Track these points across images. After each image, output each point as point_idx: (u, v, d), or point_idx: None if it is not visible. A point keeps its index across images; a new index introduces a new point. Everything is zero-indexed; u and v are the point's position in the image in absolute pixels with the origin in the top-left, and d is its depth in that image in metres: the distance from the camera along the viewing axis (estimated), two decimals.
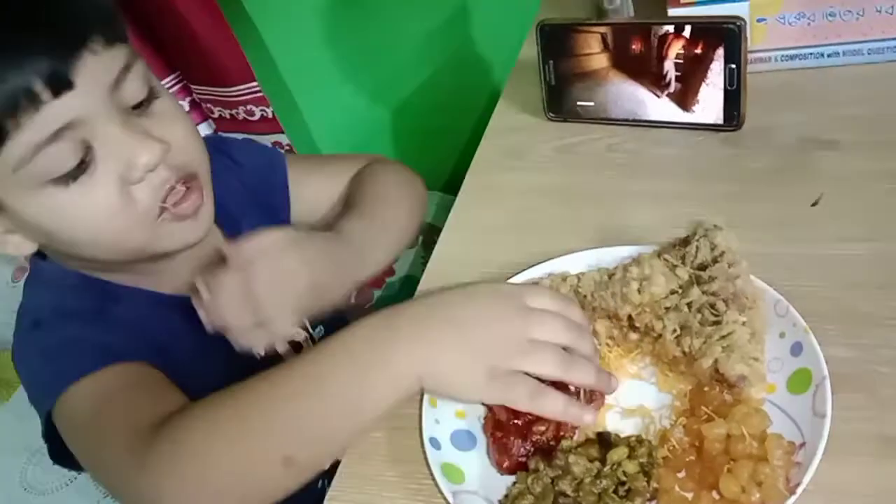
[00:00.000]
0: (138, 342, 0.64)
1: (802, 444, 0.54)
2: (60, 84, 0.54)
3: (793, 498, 0.50)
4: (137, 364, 0.62)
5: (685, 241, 0.65)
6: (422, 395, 0.60)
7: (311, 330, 0.79)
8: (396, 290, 1.31)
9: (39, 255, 0.68)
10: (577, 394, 0.59)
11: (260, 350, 0.62)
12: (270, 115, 1.34)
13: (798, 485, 0.51)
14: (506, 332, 0.55)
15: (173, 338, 0.68)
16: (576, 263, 0.69)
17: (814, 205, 0.73)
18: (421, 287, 0.76)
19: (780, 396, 0.57)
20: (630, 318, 0.62)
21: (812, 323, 0.59)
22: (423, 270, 0.79)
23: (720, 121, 0.82)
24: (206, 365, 0.66)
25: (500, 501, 0.56)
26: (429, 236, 1.34)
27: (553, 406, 0.56)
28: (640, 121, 0.86)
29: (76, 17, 0.56)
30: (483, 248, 0.78)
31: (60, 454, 0.64)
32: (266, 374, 0.55)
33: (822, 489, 0.52)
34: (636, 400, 0.61)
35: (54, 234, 0.60)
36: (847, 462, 0.53)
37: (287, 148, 1.41)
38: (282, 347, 0.65)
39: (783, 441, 0.54)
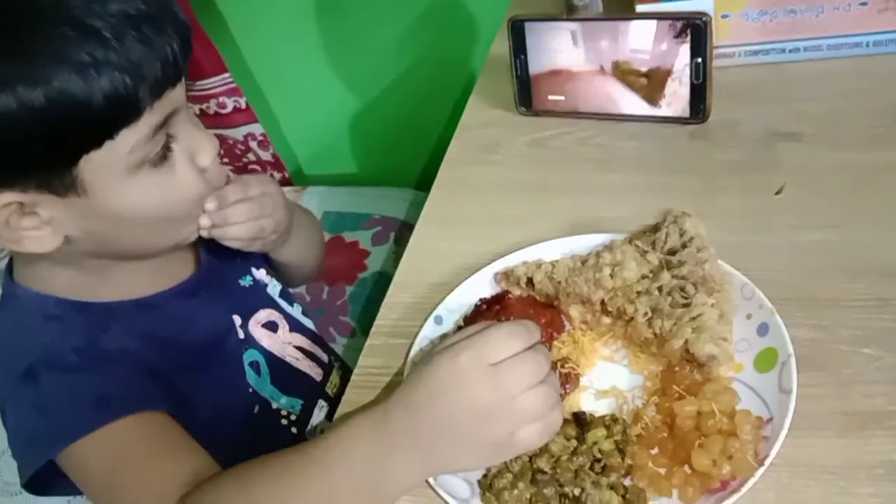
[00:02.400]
0: (138, 372, 0.64)
1: (770, 420, 0.56)
2: (180, 72, 0.59)
3: (761, 470, 0.52)
4: (143, 415, 0.62)
5: (655, 228, 0.67)
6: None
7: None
8: (370, 286, 1.32)
9: (7, 273, 0.68)
10: None
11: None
12: (244, 106, 1.34)
13: (766, 457, 0.53)
14: (491, 413, 0.53)
15: (163, 331, 0.69)
16: (550, 251, 0.71)
17: (777, 194, 0.76)
18: (396, 280, 0.77)
19: (748, 375, 0.59)
20: (603, 302, 0.64)
21: (777, 305, 0.61)
22: (395, 267, 0.80)
23: (687, 114, 0.84)
24: (197, 331, 0.71)
25: (479, 481, 0.57)
26: (400, 233, 1.36)
27: (559, 422, 0.55)
28: (609, 115, 0.88)
29: (179, 12, 0.60)
30: (457, 240, 0.79)
31: (42, 488, 0.64)
32: (278, 458, 0.57)
33: (788, 462, 0.54)
34: (609, 381, 0.63)
35: (129, 217, 0.61)
36: (812, 436, 0.56)
37: (261, 138, 1.41)
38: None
39: (751, 416, 0.56)
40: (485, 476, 0.57)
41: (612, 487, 0.54)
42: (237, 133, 1.44)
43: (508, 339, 0.54)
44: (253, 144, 1.47)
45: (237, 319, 0.76)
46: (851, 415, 0.57)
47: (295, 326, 0.83)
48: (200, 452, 0.61)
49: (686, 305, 0.61)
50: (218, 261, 0.76)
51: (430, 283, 0.74)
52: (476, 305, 0.66)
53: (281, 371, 0.79)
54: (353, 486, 0.54)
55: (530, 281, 0.68)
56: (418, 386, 0.54)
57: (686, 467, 0.55)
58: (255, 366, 0.76)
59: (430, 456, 0.54)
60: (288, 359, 0.81)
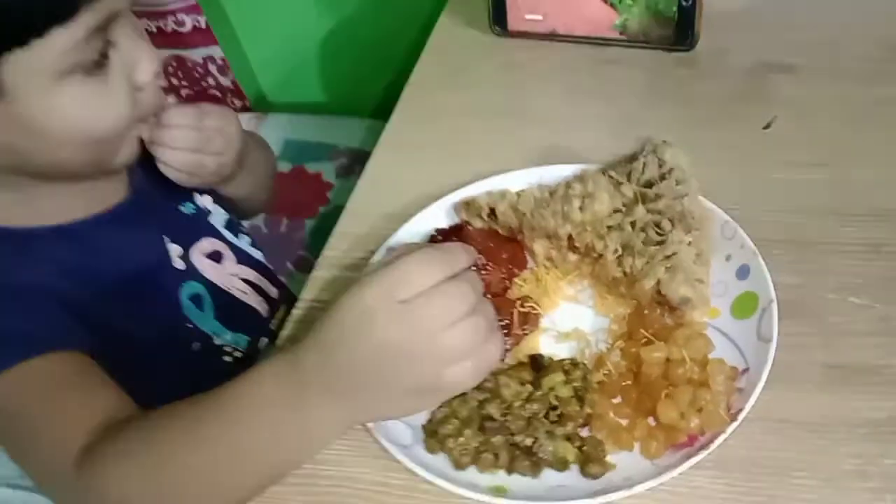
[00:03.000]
0: (55, 309, 0.58)
1: (745, 370, 0.51)
2: None
3: (734, 425, 0.47)
4: (54, 356, 0.55)
5: (632, 158, 0.60)
6: None
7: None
8: (332, 221, 1.25)
9: None
10: (511, 318, 0.55)
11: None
12: (203, 25, 1.25)
13: (739, 411, 0.47)
14: (410, 354, 0.47)
15: (88, 261, 0.62)
16: (516, 181, 0.64)
17: (766, 128, 0.70)
18: (349, 208, 0.71)
19: (724, 321, 0.54)
20: (570, 237, 0.58)
21: (760, 247, 0.56)
22: None
23: (673, 40, 0.77)
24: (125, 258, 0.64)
25: (423, 426, 0.52)
26: (355, 162, 1.28)
27: (495, 357, 0.50)
28: (590, 38, 0.81)
29: None
30: (417, 168, 0.73)
31: None
32: (184, 407, 0.51)
33: (763, 416, 0.49)
34: (572, 323, 0.57)
35: (52, 130, 0.54)
36: (790, 389, 0.51)
37: (220, 63, 1.32)
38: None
39: (725, 366, 0.50)
40: (430, 420, 0.52)
41: (567, 438, 0.49)
42: (196, 55, 1.34)
43: (422, 268, 0.47)
44: (212, 69, 1.38)
45: (175, 249, 0.70)
46: (835, 368, 0.52)
47: (242, 259, 0.76)
48: (115, 395, 0.55)
49: (661, 243, 0.55)
50: (154, 185, 0.69)
51: (385, 213, 0.68)
52: (431, 237, 0.60)
53: (226, 305, 0.73)
54: (264, 436, 0.49)
55: (493, 212, 0.61)
56: (329, 325, 0.48)
57: (650, 419, 0.50)
58: (196, 299, 0.70)
59: (348, 403, 0.48)
60: (234, 292, 0.75)
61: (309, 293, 0.64)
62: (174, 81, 1.39)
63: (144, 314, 0.65)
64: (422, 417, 0.52)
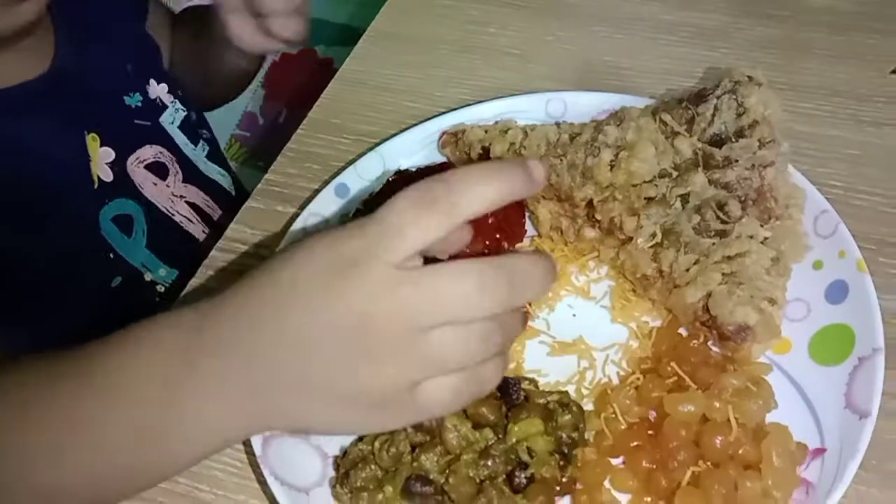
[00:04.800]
0: None
1: (820, 452, 0.33)
2: None
3: None
4: None
5: (699, 96, 0.41)
6: None
7: None
8: None
9: None
10: None
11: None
12: None
13: None
14: (385, 344, 0.30)
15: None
16: (528, 108, 0.46)
17: (895, 72, 0.49)
18: (310, 118, 0.54)
19: (798, 363, 0.37)
20: (591, 204, 0.40)
21: (870, 254, 0.38)
22: None
23: None
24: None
25: (335, 458, 0.36)
26: (344, 37, 1.08)
27: (490, 383, 0.32)
28: None
29: None
30: (407, 70, 0.56)
31: None
32: (44, 381, 0.35)
33: None
34: (575, 330, 0.40)
35: None
36: (881, 488, 0.33)
37: None
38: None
39: (790, 441, 0.33)
40: (344, 454, 0.36)
41: None
42: None
43: (431, 212, 0.28)
44: None
45: (105, 153, 0.54)
46: None
47: (192, 176, 0.60)
48: None
49: (722, 234, 0.37)
50: (88, 60, 0.53)
51: (355, 131, 0.51)
52: (388, 181, 0.42)
53: (164, 232, 0.57)
54: (131, 420, 0.33)
55: (486, 152, 0.43)
56: (273, 279, 0.30)
57: None
58: (123, 222, 0.55)
59: (263, 398, 0.31)
60: (177, 217, 0.59)
61: (235, 229, 0.48)
62: None
63: (44, 234, 0.50)
64: (335, 447, 0.37)
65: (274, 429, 0.35)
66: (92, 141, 0.53)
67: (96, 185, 0.53)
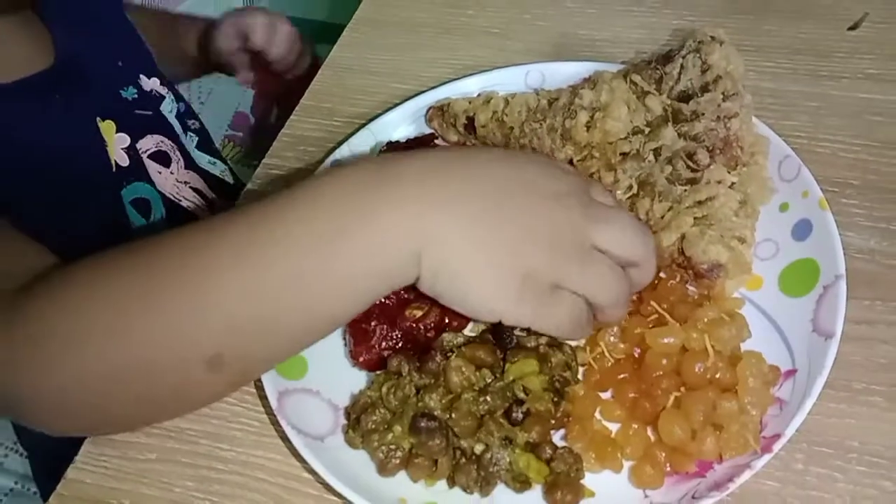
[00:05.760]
0: None
1: (791, 373, 0.36)
2: None
3: (766, 457, 0.33)
4: None
5: (666, 57, 0.44)
6: None
7: None
8: None
9: None
10: None
11: None
12: None
13: (777, 436, 0.33)
14: (562, 223, 0.35)
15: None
16: (508, 80, 0.49)
17: (853, 28, 0.52)
18: (304, 103, 0.56)
19: (769, 296, 0.39)
20: (571, 163, 0.43)
21: (831, 196, 0.41)
22: None
23: None
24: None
25: (346, 409, 0.39)
26: (328, 34, 1.11)
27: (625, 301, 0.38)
28: None
29: None
30: (392, 54, 0.58)
31: None
32: (185, 230, 0.36)
33: (809, 442, 0.35)
34: None
35: None
36: (848, 402, 0.36)
37: None
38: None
39: (763, 364, 0.36)
40: (353, 405, 0.39)
41: (532, 448, 0.35)
42: None
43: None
44: None
45: (122, 139, 0.56)
46: None
47: (190, 163, 0.63)
48: (48, 256, 0.41)
49: (692, 182, 0.40)
50: (87, 56, 0.55)
51: (347, 113, 0.54)
52: (380, 151, 0.45)
53: (175, 216, 0.59)
54: (307, 227, 0.34)
55: (471, 122, 0.46)
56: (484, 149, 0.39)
57: (650, 430, 0.36)
58: (142, 205, 0.57)
59: (440, 215, 0.34)
60: (184, 203, 0.61)
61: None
62: None
63: (73, 218, 0.53)
64: (345, 398, 0.39)
65: (423, 263, 0.34)
66: (107, 127, 0.55)
67: (114, 169, 0.55)
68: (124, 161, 0.56)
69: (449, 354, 0.37)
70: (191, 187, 0.62)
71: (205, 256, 0.35)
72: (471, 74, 0.50)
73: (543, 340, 0.38)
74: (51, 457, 0.45)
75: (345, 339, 0.41)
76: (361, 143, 0.48)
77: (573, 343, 0.38)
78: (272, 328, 0.35)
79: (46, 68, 0.53)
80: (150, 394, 0.36)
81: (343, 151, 0.48)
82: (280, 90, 0.75)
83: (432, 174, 0.35)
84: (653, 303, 0.38)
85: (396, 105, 0.50)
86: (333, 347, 0.41)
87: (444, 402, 0.36)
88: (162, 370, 0.35)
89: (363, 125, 0.49)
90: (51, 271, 0.38)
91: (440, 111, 0.48)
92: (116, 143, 0.56)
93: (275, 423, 0.39)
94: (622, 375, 0.38)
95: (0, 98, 0.50)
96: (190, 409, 0.40)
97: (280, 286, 0.34)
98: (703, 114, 0.41)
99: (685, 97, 0.43)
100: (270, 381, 0.39)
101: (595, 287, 0.35)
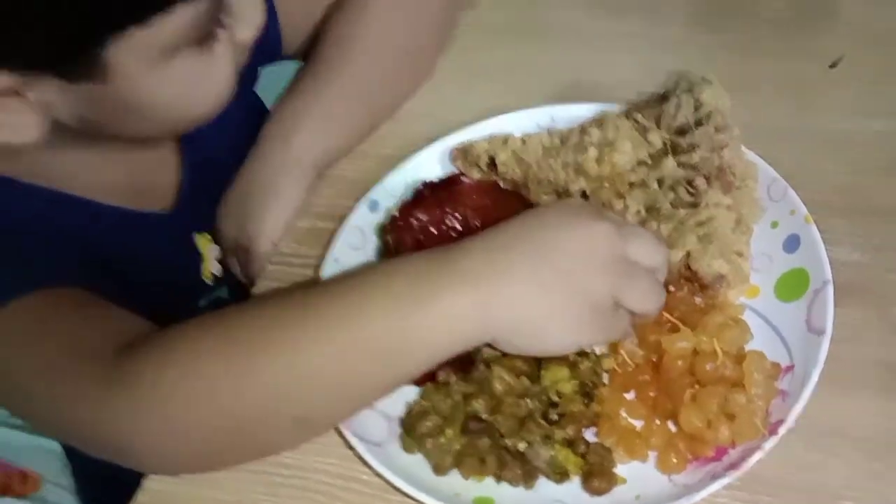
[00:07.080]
0: (73, 257, 0.49)
1: (790, 368, 0.41)
2: None
3: (772, 440, 0.38)
4: (72, 289, 0.46)
5: (663, 97, 0.50)
6: None
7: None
8: None
9: None
10: None
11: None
12: None
13: (780, 422, 0.39)
14: (603, 249, 0.40)
15: (106, 255, 0.53)
16: (522, 122, 0.54)
17: (832, 66, 0.58)
18: None
19: (766, 303, 0.45)
20: (584, 194, 0.49)
21: (815, 213, 0.47)
22: None
23: None
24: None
25: (400, 419, 0.44)
26: None
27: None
28: None
29: None
30: (413, 102, 0.62)
31: None
32: (273, 306, 0.43)
33: (809, 428, 0.40)
34: None
35: (146, 109, 0.46)
36: (843, 394, 0.42)
37: None
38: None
39: (765, 362, 0.41)
40: (408, 414, 0.44)
41: (568, 443, 0.41)
42: None
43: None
44: None
45: (214, 250, 0.60)
46: None
47: None
48: (137, 319, 0.46)
49: (693, 205, 0.46)
50: (205, 198, 0.59)
51: (379, 155, 0.59)
52: (416, 191, 0.50)
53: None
54: (382, 304, 0.40)
55: (493, 161, 0.52)
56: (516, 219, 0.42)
57: (670, 423, 0.41)
58: (214, 304, 0.62)
59: (499, 281, 0.39)
60: None
61: (286, 245, 0.55)
62: None
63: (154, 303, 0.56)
64: (400, 409, 0.44)
65: (495, 326, 0.39)
66: (203, 240, 0.59)
67: (201, 283, 0.59)
68: (216, 270, 0.60)
69: (490, 365, 0.43)
70: None
71: (296, 329, 0.40)
72: (488, 117, 0.56)
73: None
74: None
75: None
76: (394, 182, 0.54)
77: (598, 351, 0.44)
78: (351, 393, 0.41)
79: (172, 210, 0.57)
80: (242, 446, 0.42)
81: (378, 191, 0.53)
82: None
83: (487, 253, 0.40)
84: (665, 313, 0.44)
85: (423, 147, 0.55)
86: None
87: (489, 406, 0.41)
88: (254, 428, 0.41)
89: (395, 166, 0.54)
90: (153, 335, 0.42)
91: (463, 152, 0.54)
92: (210, 254, 0.60)
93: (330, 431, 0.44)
94: (643, 377, 0.43)
95: (127, 222, 0.54)
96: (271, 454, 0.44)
97: (362, 352, 0.40)
98: (698, 145, 0.47)
99: (682, 131, 0.48)
100: None
101: (646, 300, 0.41)
